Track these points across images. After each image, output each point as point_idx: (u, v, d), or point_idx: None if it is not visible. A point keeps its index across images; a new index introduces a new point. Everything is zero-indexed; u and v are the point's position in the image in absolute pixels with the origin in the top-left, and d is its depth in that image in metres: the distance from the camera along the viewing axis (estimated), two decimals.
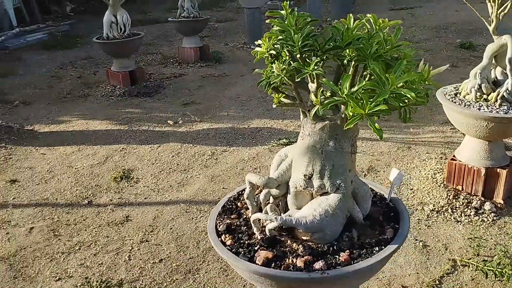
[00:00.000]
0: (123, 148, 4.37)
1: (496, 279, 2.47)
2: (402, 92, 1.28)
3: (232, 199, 1.86)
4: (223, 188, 3.59)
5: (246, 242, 1.61)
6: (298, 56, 1.42)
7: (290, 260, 1.50)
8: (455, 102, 3.05)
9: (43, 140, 4.68)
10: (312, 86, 1.48)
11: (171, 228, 3.14)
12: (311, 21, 1.43)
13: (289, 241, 1.60)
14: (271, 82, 1.53)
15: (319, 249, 1.55)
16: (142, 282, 2.68)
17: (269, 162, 3.93)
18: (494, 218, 3.00)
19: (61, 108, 5.58)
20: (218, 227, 1.69)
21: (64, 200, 3.56)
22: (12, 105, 5.74)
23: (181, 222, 3.20)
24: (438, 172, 3.46)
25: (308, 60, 1.44)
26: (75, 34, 9.72)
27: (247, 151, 4.17)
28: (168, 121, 4.93)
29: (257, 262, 1.50)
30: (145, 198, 3.53)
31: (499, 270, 2.47)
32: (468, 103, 3.02)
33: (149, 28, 10.03)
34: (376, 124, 1.30)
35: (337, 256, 1.52)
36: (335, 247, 1.56)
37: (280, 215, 1.64)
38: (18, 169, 4.07)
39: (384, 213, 1.72)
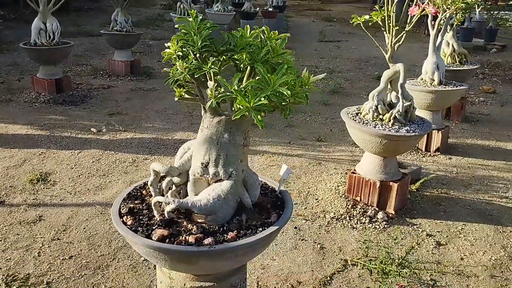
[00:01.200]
0: (42, 153, 4.37)
1: (378, 276, 2.77)
2: (281, 90, 1.52)
3: (138, 187, 2.02)
4: None
5: (146, 222, 1.77)
6: (197, 55, 1.63)
7: (183, 237, 1.68)
8: (355, 120, 3.40)
9: None
10: (210, 83, 1.69)
11: (84, 228, 3.21)
12: (211, 27, 1.66)
13: (185, 223, 1.78)
14: (175, 79, 1.73)
15: (211, 229, 1.74)
16: (50, 276, 2.73)
17: None
18: (385, 226, 3.34)
19: None
20: (121, 210, 1.84)
21: None
22: None
23: (95, 222, 3.28)
24: (342, 185, 3.79)
25: (207, 60, 1.66)
26: (2, 40, 9.46)
27: (168, 160, 4.31)
28: (92, 129, 4.98)
29: (153, 238, 1.66)
30: (60, 200, 3.57)
31: (381, 267, 2.77)
32: (366, 121, 3.37)
33: (82, 40, 9.96)
34: (258, 116, 1.53)
35: (226, 235, 1.72)
36: (225, 228, 1.76)
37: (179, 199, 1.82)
38: None
39: (273, 202, 1.95)
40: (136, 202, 1.92)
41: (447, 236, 3.28)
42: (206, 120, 1.78)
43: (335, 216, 3.43)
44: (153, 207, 1.81)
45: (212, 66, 1.61)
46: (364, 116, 3.45)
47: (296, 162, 4.36)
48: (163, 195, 1.91)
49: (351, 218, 3.40)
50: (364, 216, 3.42)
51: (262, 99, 1.52)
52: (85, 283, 2.69)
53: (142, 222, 1.77)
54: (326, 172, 4.17)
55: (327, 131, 5.25)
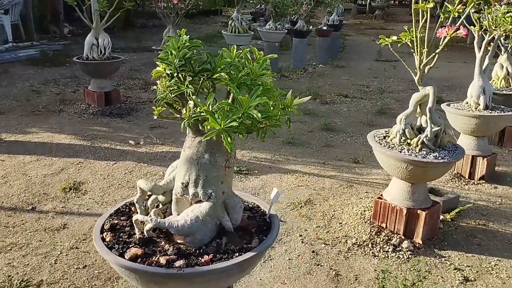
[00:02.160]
0: (80, 162, 4.53)
1: None
2: (251, 113, 1.46)
3: (128, 204, 2.02)
4: None
5: (125, 240, 1.76)
6: (175, 74, 1.62)
7: (156, 258, 1.65)
8: (381, 144, 3.25)
9: (6, 147, 4.83)
10: (190, 103, 1.67)
11: None
12: (190, 46, 1.63)
13: (163, 242, 1.75)
14: (159, 98, 1.72)
15: (187, 251, 1.70)
16: (61, 284, 2.79)
17: None
18: (410, 256, 3.15)
19: (33, 120, 5.77)
20: (105, 225, 1.84)
21: (10, 204, 3.69)
22: None
23: None
24: (369, 210, 3.63)
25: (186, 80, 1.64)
26: (67, 54, 10.00)
27: None
28: (130, 141, 5.11)
29: (125, 257, 1.65)
30: (87, 209, 3.67)
31: None
32: (393, 145, 3.22)
33: (140, 55, 10.35)
34: (228, 139, 1.48)
35: (200, 258, 1.67)
36: (201, 251, 1.71)
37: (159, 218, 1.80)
38: None
39: (260, 226, 1.88)
40: (122, 218, 1.91)
41: (477, 272, 3.04)
42: (188, 140, 1.75)
43: (356, 242, 3.28)
44: (134, 224, 1.79)
45: (190, 86, 1.58)
46: (391, 140, 3.30)
47: (327, 184, 4.24)
48: (148, 213, 1.89)
49: (374, 246, 3.24)
50: (388, 244, 3.25)
51: (234, 121, 1.47)
52: None
53: (120, 239, 1.76)
54: (356, 195, 4.02)
55: (365, 153, 5.08)
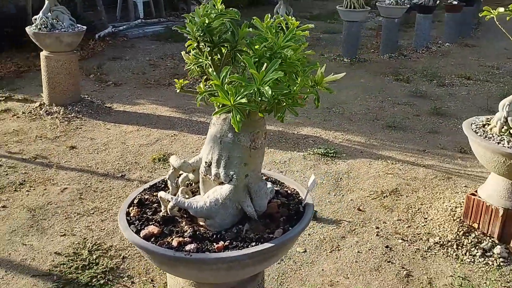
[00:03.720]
0: (174, 134, 4.68)
1: None
2: (262, 89, 1.30)
3: (165, 179, 1.98)
4: None
5: (147, 216, 1.72)
6: (195, 45, 1.51)
7: (170, 239, 1.59)
8: (477, 133, 2.83)
9: (114, 117, 5.17)
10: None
11: None
12: (216, 16, 1.50)
13: (184, 223, 1.68)
14: (187, 70, 1.63)
15: (205, 235, 1.61)
16: (128, 252, 2.90)
17: (298, 168, 3.96)
18: (501, 263, 2.73)
19: (143, 92, 6.10)
20: (135, 200, 1.82)
21: (103, 170, 3.93)
22: (105, 84, 6.39)
23: None
24: (461, 207, 3.22)
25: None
26: None
27: (282, 154, 4.22)
28: None
29: (140, 234, 1.61)
30: None
31: None
32: (491, 135, 2.78)
33: None
34: (237, 117, 1.34)
35: (215, 244, 1.57)
36: (219, 236, 1.61)
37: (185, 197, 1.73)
38: (81, 138, 4.57)
39: (291, 215, 1.72)
40: (154, 194, 1.88)
41: None
42: (214, 116, 1.64)
43: (439, 242, 2.93)
44: (160, 201, 1.75)
45: (208, 57, 1.46)
46: (490, 129, 2.85)
47: (420, 174, 3.85)
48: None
49: (459, 248, 2.87)
50: (477, 247, 2.85)
51: (244, 97, 1.32)
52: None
53: (144, 216, 1.73)
54: (451, 189, 3.60)
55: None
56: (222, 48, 1.50)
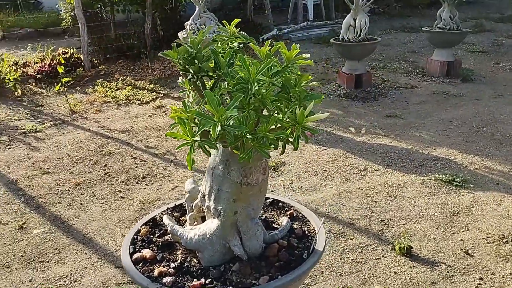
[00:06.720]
0: None
1: None
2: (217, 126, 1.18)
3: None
4: (341, 204, 3.46)
5: (151, 239, 1.71)
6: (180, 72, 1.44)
7: (156, 266, 1.56)
8: None
9: None
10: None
11: None
12: (214, 40, 1.41)
13: (180, 251, 1.63)
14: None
15: (191, 268, 1.54)
16: None
17: (411, 195, 3.55)
18: None
19: None
20: (155, 218, 1.83)
21: None
22: None
23: None
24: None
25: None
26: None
27: (399, 176, 3.83)
28: (350, 128, 4.88)
29: (132, 257, 1.61)
30: (271, 191, 3.72)
31: None
32: None
33: (420, 36, 9.63)
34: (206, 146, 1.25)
35: (195, 280, 1.49)
36: (204, 272, 1.52)
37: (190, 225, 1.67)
38: None
39: (288, 261, 1.54)
40: (175, 214, 1.86)
41: None
42: None
43: None
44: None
45: (191, 85, 1.38)
46: None
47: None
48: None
49: None
50: None
51: (201, 132, 1.22)
52: None
53: (150, 237, 1.72)
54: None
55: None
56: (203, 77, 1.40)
